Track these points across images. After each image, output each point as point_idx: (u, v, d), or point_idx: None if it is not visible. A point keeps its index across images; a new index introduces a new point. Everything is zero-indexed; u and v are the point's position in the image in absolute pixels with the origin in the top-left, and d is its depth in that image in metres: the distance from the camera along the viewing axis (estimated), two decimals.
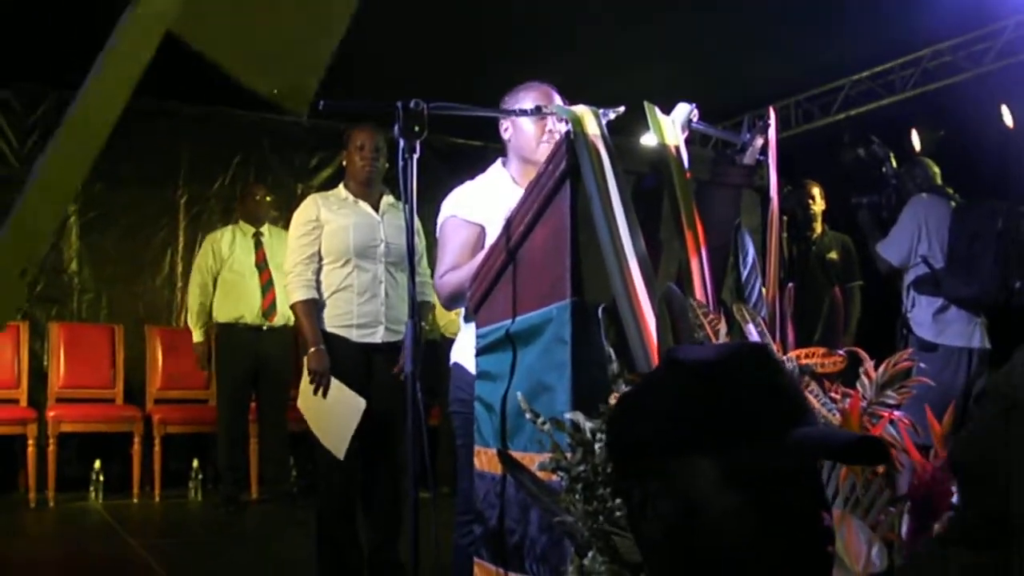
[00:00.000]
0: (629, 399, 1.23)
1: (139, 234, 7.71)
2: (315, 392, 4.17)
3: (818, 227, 6.30)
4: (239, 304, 6.69)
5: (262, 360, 6.67)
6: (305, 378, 4.23)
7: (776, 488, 1.07)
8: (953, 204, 5.25)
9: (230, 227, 7.03)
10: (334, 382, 4.15)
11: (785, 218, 5.99)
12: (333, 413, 4.17)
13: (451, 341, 3.26)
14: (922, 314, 5.15)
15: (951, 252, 5.07)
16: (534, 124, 3.13)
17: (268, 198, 7.03)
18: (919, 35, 6.54)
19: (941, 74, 6.82)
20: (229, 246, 6.80)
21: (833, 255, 6.19)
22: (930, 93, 6.89)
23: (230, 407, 6.72)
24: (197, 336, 6.78)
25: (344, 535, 4.25)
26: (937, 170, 5.45)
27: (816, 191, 6.30)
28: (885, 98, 7.18)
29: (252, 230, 6.88)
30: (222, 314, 6.74)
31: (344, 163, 4.50)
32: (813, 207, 6.27)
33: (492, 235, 2.96)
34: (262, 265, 6.73)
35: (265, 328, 6.67)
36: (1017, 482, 1.38)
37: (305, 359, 4.25)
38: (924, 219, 5.17)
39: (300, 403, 4.26)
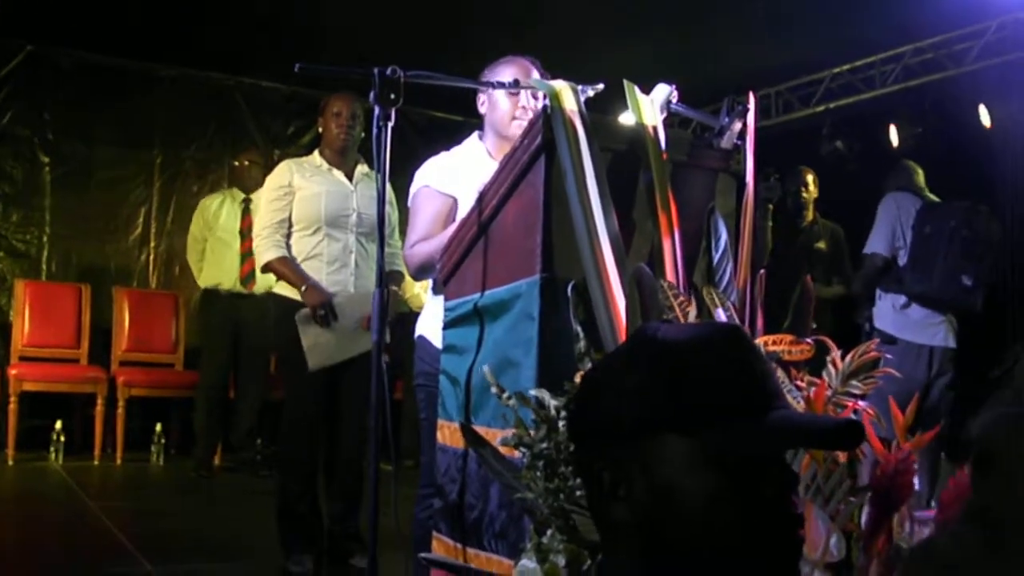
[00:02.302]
0: (597, 373, 1.21)
1: (113, 194, 7.64)
2: (324, 324, 4.12)
3: (809, 215, 6.28)
4: (219, 270, 6.67)
5: (241, 327, 6.65)
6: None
7: (749, 471, 1.05)
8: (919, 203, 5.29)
9: (222, 192, 7.04)
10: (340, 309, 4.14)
11: (771, 205, 5.98)
12: (339, 340, 4.14)
13: (418, 315, 3.23)
14: (885, 308, 5.21)
15: (911, 249, 5.14)
16: (508, 99, 3.11)
17: (254, 164, 6.96)
18: (902, 32, 6.54)
19: (922, 71, 6.84)
20: (216, 212, 6.78)
21: (821, 244, 6.19)
22: (910, 90, 6.90)
23: (212, 372, 6.70)
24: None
25: (305, 505, 4.23)
26: (921, 172, 5.47)
27: (810, 178, 6.29)
28: (865, 92, 7.19)
29: (242, 196, 6.86)
30: (205, 279, 6.73)
31: (320, 130, 4.46)
32: (805, 194, 6.26)
33: (464, 207, 2.93)
34: (245, 232, 6.68)
35: (245, 295, 6.64)
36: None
37: (303, 297, 4.16)
38: (897, 214, 5.21)
39: (304, 342, 4.17)
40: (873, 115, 7.12)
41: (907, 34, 6.62)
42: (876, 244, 5.29)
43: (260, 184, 6.85)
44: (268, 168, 7.40)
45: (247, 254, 6.60)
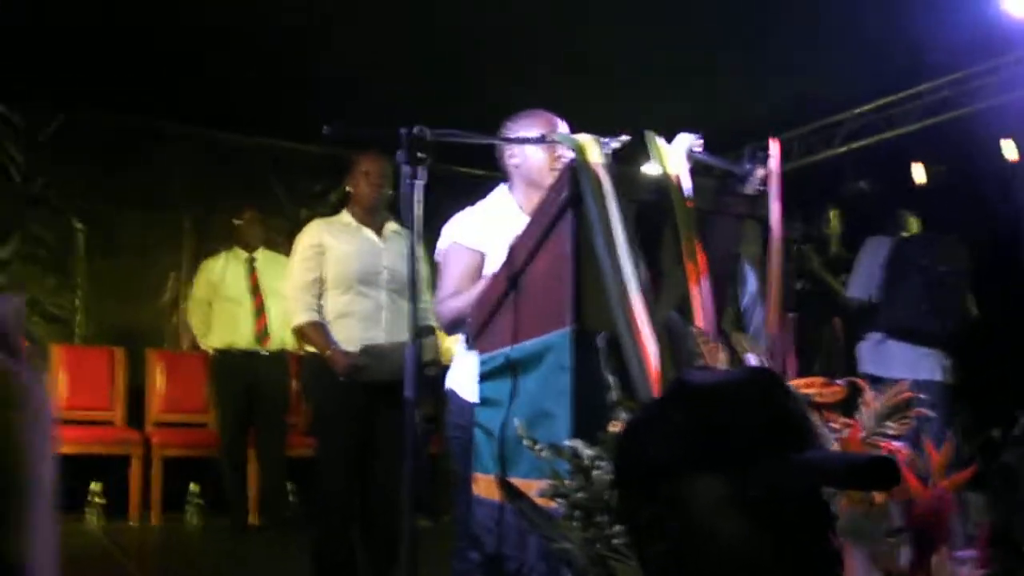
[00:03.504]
0: (639, 420, 1.24)
1: (143, 257, 7.72)
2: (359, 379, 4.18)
3: (832, 251, 6.34)
4: (232, 330, 6.67)
5: (257, 386, 6.63)
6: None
7: (785, 510, 1.07)
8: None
9: (223, 253, 6.99)
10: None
11: (795, 246, 6.00)
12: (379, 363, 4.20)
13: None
14: (865, 349, 5.33)
15: (884, 284, 5.29)
16: (544, 151, 3.14)
17: (258, 221, 6.99)
18: (921, 69, 6.56)
19: (942, 108, 6.84)
20: (220, 272, 6.79)
21: (843, 279, 6.20)
22: (932, 127, 6.91)
23: (230, 434, 6.69)
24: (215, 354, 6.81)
25: (342, 564, 4.23)
26: (913, 220, 5.58)
27: (832, 214, 6.35)
28: (887, 131, 7.20)
29: (245, 255, 6.86)
30: (216, 340, 6.73)
31: (349, 189, 4.51)
32: (827, 230, 6.32)
33: (493, 261, 2.97)
34: (255, 289, 6.71)
35: (260, 353, 6.66)
36: None
37: (329, 362, 4.21)
38: (872, 257, 5.41)
39: None
40: (896, 154, 7.12)
41: (926, 72, 6.64)
42: (851, 288, 5.50)
43: (262, 241, 6.93)
44: (287, 227, 7.52)
45: (260, 310, 6.64)
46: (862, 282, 5.42)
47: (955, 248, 5.29)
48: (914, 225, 5.58)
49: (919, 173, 6.94)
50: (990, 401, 4.45)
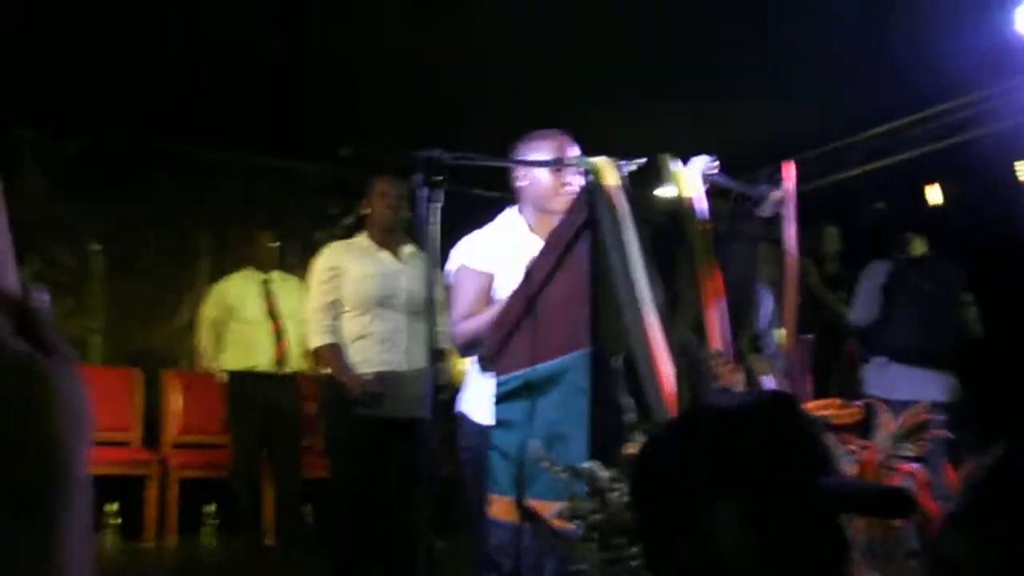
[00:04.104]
0: (655, 443, 1.25)
1: (160, 279, 7.75)
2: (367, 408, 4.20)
3: (833, 267, 6.36)
4: (251, 353, 6.65)
5: (273, 409, 6.63)
6: None
7: (799, 535, 1.08)
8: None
9: (237, 274, 6.93)
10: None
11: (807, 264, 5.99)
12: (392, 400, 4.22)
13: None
14: (870, 373, 5.34)
15: (883, 308, 5.35)
16: (550, 174, 3.15)
17: (274, 243, 7.01)
18: (935, 90, 6.57)
19: (958, 129, 6.84)
20: (236, 295, 6.78)
21: (843, 295, 6.21)
22: (947, 148, 6.90)
23: (247, 456, 6.69)
24: (221, 375, 6.82)
25: None
26: (918, 241, 5.62)
27: (831, 232, 6.37)
28: (902, 152, 7.20)
29: (260, 277, 6.85)
30: (233, 363, 6.71)
31: (365, 211, 4.54)
32: (827, 248, 6.34)
33: (503, 281, 2.98)
34: (272, 312, 6.70)
35: (276, 375, 6.66)
36: None
37: (348, 388, 4.24)
38: (871, 281, 5.46)
39: None
40: (912, 175, 7.12)
41: (942, 93, 6.64)
42: (854, 314, 5.52)
43: (276, 263, 6.94)
44: (302, 249, 7.55)
45: (279, 334, 6.63)
46: (863, 306, 5.46)
47: (950, 268, 5.36)
48: (919, 247, 5.60)
49: (935, 194, 6.94)
50: (1000, 419, 4.45)
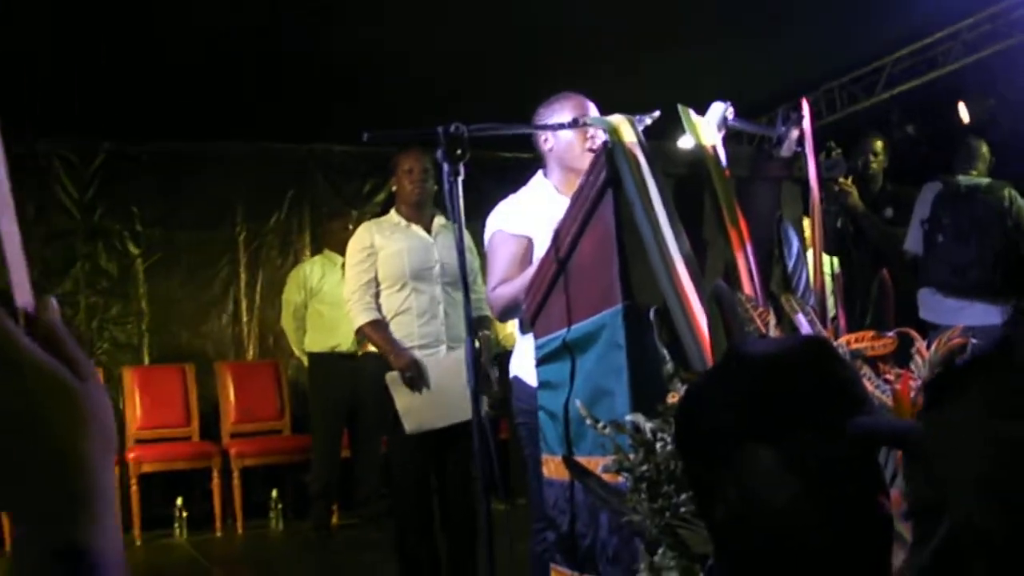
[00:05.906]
0: (695, 391, 1.29)
1: (201, 275, 7.87)
2: (412, 386, 4.25)
3: (878, 185, 6.05)
4: (334, 333, 6.75)
5: (359, 388, 6.70)
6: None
7: (833, 475, 1.11)
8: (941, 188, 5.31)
9: (317, 258, 7.14)
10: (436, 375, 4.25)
11: (838, 185, 5.75)
12: (438, 405, 4.25)
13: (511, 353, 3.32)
14: (924, 297, 5.27)
15: (925, 238, 5.23)
16: (575, 133, 3.18)
17: (347, 227, 7.08)
18: (955, 7, 6.48)
19: (981, 44, 6.75)
20: (319, 278, 6.90)
21: (888, 212, 5.97)
22: (972, 64, 6.82)
23: (327, 436, 6.77)
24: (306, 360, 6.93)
25: (423, 552, 4.32)
26: (982, 148, 5.45)
27: (878, 145, 6.03)
28: (928, 73, 7.12)
29: (340, 260, 6.93)
30: (315, 344, 6.82)
31: (394, 188, 4.58)
32: (874, 164, 6.01)
33: (539, 245, 3.02)
34: None
35: (360, 355, 6.74)
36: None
37: (390, 361, 4.31)
38: (922, 207, 5.31)
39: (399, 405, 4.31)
40: (941, 95, 7.04)
41: (964, 8, 6.55)
42: (906, 241, 5.40)
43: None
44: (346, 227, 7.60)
45: None
46: (912, 235, 5.34)
47: (995, 191, 5.18)
48: (981, 153, 5.46)
49: (964, 112, 6.85)
50: None
